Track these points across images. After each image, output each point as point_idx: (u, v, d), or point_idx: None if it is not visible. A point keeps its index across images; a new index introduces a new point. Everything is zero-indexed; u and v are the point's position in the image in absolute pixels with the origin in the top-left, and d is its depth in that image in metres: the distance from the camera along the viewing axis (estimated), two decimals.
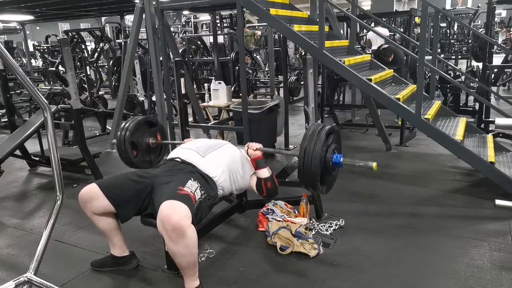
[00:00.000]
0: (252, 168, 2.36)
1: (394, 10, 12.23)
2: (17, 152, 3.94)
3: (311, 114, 3.50)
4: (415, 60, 4.42)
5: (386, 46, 5.42)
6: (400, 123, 4.84)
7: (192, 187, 1.98)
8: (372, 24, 7.83)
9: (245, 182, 2.36)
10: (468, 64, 8.54)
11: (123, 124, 2.61)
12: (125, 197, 2.05)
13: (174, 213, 1.76)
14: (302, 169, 1.96)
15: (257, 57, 9.34)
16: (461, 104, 5.54)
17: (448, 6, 14.44)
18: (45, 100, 1.92)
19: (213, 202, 2.17)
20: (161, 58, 4.21)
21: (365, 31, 8.63)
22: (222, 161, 2.24)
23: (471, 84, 6.20)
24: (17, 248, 2.63)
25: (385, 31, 6.68)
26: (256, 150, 2.30)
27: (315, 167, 1.92)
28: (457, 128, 3.39)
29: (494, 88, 6.67)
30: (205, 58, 8.22)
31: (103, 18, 11.04)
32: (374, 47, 6.85)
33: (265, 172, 2.26)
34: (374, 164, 1.92)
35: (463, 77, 6.29)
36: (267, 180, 2.25)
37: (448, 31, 10.77)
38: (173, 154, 2.34)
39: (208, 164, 2.18)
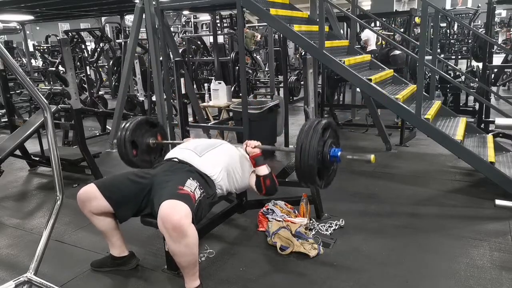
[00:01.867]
0: (252, 167, 2.36)
1: (394, 10, 12.23)
2: (17, 152, 3.94)
3: (311, 114, 3.49)
4: (415, 60, 4.42)
5: (397, 53, 5.37)
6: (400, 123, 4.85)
7: (191, 186, 1.98)
8: (372, 25, 7.80)
9: (244, 181, 2.35)
10: (468, 64, 8.54)
11: (123, 124, 2.61)
12: (124, 197, 2.05)
13: (174, 212, 1.77)
14: (299, 164, 1.94)
15: (257, 57, 9.34)
16: (461, 104, 5.53)
17: (448, 6, 14.44)
18: (45, 100, 1.92)
19: (213, 201, 2.17)
20: (161, 58, 4.21)
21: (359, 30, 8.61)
22: (220, 160, 2.24)
23: (471, 84, 6.20)
24: (17, 248, 2.63)
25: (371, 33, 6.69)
26: (255, 147, 2.29)
27: (311, 161, 1.91)
28: (457, 128, 3.39)
29: (494, 88, 6.67)
30: (205, 58, 8.22)
31: (103, 18, 11.04)
32: (371, 47, 6.83)
33: (264, 170, 2.27)
34: (372, 157, 1.92)
35: (463, 77, 6.29)
36: (265, 178, 2.25)
37: (448, 31, 10.76)
38: (170, 154, 2.34)
39: (205, 163, 2.18)
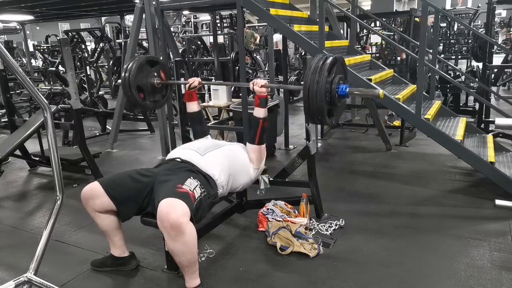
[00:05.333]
0: (252, 164, 2.39)
1: (394, 10, 12.22)
2: (17, 152, 3.94)
3: None
4: (415, 60, 4.42)
5: None
6: (392, 123, 4.89)
7: (191, 185, 1.98)
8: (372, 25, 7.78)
9: (245, 180, 2.36)
10: (468, 64, 8.54)
11: (125, 66, 2.48)
12: (127, 195, 2.06)
13: (172, 211, 1.77)
14: (308, 104, 1.91)
15: (257, 57, 9.33)
16: (461, 104, 5.54)
17: (448, 6, 14.42)
18: (45, 100, 1.92)
19: (213, 200, 2.17)
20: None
21: (365, 31, 8.60)
22: (222, 160, 2.24)
23: (471, 84, 6.20)
24: (17, 248, 2.63)
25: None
26: (262, 87, 2.30)
27: (320, 102, 1.87)
28: (457, 128, 3.39)
29: (494, 88, 6.67)
30: (205, 58, 8.22)
31: (103, 18, 11.03)
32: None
33: (264, 112, 2.37)
34: (381, 92, 1.88)
35: (463, 77, 6.29)
36: (264, 120, 2.36)
37: (448, 31, 10.75)
38: (173, 154, 2.34)
39: (207, 163, 2.19)
